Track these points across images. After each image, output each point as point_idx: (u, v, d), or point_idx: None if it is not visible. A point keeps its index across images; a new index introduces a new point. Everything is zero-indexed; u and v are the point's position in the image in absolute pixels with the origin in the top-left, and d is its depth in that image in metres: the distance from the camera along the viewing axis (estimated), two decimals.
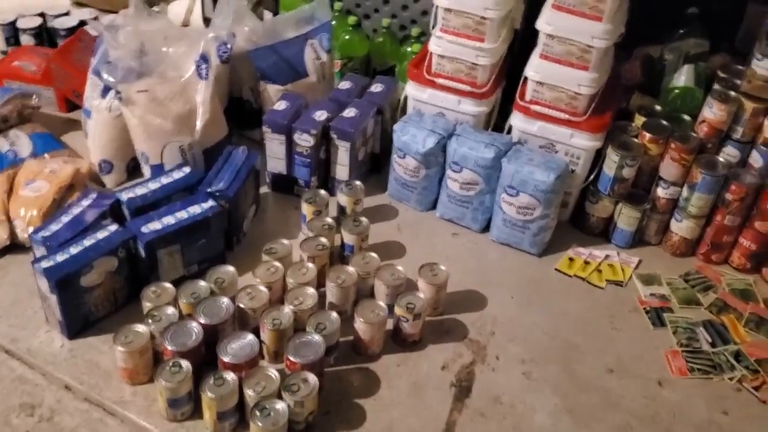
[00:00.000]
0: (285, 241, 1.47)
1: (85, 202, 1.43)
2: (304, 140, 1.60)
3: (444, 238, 1.66)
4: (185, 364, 1.21)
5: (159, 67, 1.57)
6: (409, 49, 1.90)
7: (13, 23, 2.03)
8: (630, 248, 1.65)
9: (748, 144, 1.55)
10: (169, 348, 1.23)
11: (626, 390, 1.36)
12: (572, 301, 1.53)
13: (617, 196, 1.60)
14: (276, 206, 1.70)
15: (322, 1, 1.77)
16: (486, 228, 1.66)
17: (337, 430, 1.24)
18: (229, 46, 1.66)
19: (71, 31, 2.02)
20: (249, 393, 1.19)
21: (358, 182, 1.62)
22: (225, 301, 1.31)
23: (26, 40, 2.02)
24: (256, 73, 1.73)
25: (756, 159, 1.54)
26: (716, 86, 1.54)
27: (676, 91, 1.63)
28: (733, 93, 1.52)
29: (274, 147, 1.65)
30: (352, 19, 1.91)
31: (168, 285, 1.36)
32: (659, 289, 1.56)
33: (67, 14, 2.07)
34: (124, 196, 1.46)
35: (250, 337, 1.26)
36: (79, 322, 1.35)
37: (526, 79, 1.57)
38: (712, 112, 1.51)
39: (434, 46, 1.61)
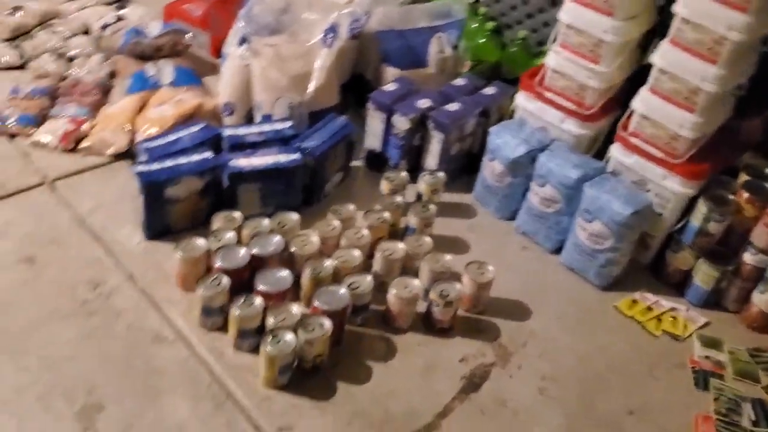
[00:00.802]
0: (351, 207, 1.56)
1: (193, 129, 1.60)
2: (401, 123, 1.68)
3: (512, 248, 1.67)
4: (225, 280, 1.33)
5: (292, 27, 1.73)
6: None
7: None
8: (702, 308, 1.57)
9: None
10: (217, 264, 1.36)
11: None
12: (618, 339, 1.48)
13: (698, 250, 1.53)
14: (364, 180, 1.79)
15: None
16: (558, 251, 1.65)
17: (340, 380, 1.31)
18: (360, 23, 1.78)
19: None
20: (269, 320, 1.29)
21: (441, 173, 1.67)
22: (278, 239, 1.42)
23: None
24: (381, 56, 1.84)
25: None
26: None
27: None
28: None
29: (374, 124, 1.74)
30: (490, 25, 1.96)
31: (238, 215, 1.50)
32: (717, 354, 1.47)
33: None
34: (227, 132, 1.62)
35: (287, 274, 1.36)
36: (159, 227, 1.52)
37: (632, 111, 1.56)
38: None
39: (550, 59, 1.64)
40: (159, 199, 1.48)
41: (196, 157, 1.52)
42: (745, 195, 1.48)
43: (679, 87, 1.45)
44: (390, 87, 1.75)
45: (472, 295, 1.45)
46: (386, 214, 1.55)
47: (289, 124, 1.67)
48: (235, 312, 1.29)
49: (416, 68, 1.84)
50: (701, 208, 1.50)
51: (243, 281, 1.37)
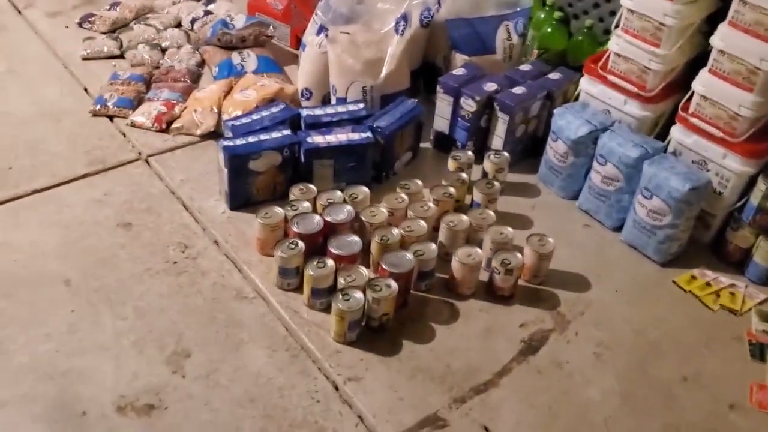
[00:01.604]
0: (419, 182, 1.66)
1: (274, 109, 1.73)
2: (468, 105, 1.77)
3: (574, 226, 1.73)
4: (301, 244, 1.45)
5: (366, 16, 1.84)
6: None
7: None
8: (762, 285, 1.60)
9: None
10: (294, 229, 1.48)
11: (692, 400, 1.35)
12: (675, 313, 1.53)
13: (758, 228, 1.56)
14: (432, 160, 1.89)
15: None
16: (619, 228, 1.70)
17: (405, 338, 1.41)
18: (431, 12, 1.88)
19: None
20: (340, 280, 1.40)
21: (506, 153, 1.75)
22: (349, 208, 1.53)
23: None
24: (450, 43, 1.93)
25: None
26: None
27: None
28: None
29: (443, 107, 1.83)
30: (557, 14, 2.03)
31: (313, 187, 1.61)
32: None
33: None
34: (305, 112, 1.74)
35: (357, 240, 1.47)
36: (241, 198, 1.65)
37: (693, 92, 1.60)
38: None
39: (613, 44, 1.69)
40: (242, 172, 1.61)
41: (276, 134, 1.64)
42: None
43: (737, 67, 1.49)
44: (458, 72, 1.84)
45: (533, 266, 1.52)
46: (452, 189, 1.64)
47: (361, 105, 1.78)
48: (309, 272, 1.41)
49: (483, 54, 1.92)
50: (761, 186, 1.53)
51: (316, 246, 1.48)
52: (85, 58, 2.13)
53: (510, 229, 1.55)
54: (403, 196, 1.60)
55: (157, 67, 2.08)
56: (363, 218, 1.54)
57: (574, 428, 1.29)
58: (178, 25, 2.28)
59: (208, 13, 2.27)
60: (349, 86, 1.82)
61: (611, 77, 1.72)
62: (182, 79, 2.00)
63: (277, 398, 1.29)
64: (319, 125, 1.71)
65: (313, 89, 1.94)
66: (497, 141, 1.81)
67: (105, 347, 1.35)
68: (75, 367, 1.31)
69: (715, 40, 1.51)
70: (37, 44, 2.24)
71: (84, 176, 1.73)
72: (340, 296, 1.36)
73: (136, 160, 1.80)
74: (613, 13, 2.05)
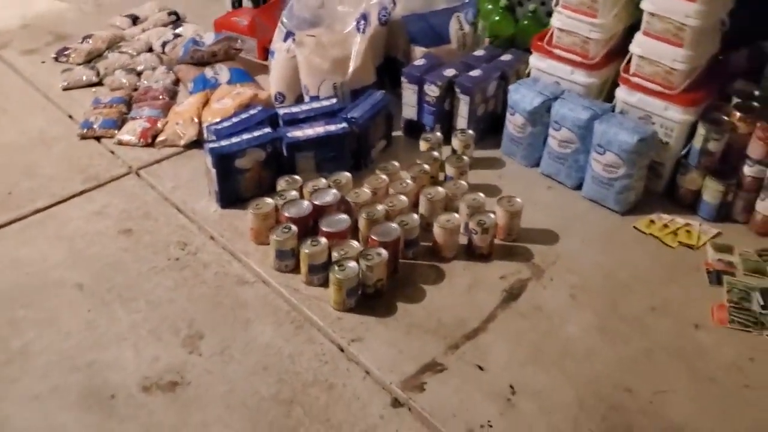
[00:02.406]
0: (396, 163, 1.80)
1: (252, 111, 1.87)
2: (432, 90, 1.92)
3: (539, 189, 1.88)
4: (293, 227, 1.58)
5: (328, 19, 1.99)
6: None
7: None
8: (714, 221, 1.76)
9: None
10: (285, 215, 1.61)
11: (661, 325, 1.50)
12: (639, 253, 1.68)
13: (704, 170, 1.72)
14: (404, 146, 2.03)
15: None
16: (579, 186, 1.85)
17: (399, 300, 1.54)
18: (388, 10, 2.04)
19: None
20: (334, 254, 1.53)
21: (470, 131, 1.90)
22: (335, 192, 1.67)
23: (246, 3, 2.57)
24: (408, 38, 2.08)
25: None
26: None
27: None
28: None
29: (408, 95, 1.98)
30: (503, 2, 2.20)
31: (298, 177, 1.74)
32: (729, 257, 1.66)
33: None
34: (282, 111, 1.88)
35: (345, 217, 1.60)
36: (231, 196, 1.77)
37: (631, 54, 1.76)
38: None
39: (555, 20, 1.86)
40: (229, 170, 1.73)
41: (257, 133, 1.77)
42: (738, 114, 1.68)
43: (667, 26, 1.66)
44: (419, 62, 2.00)
45: (506, 224, 1.67)
46: (426, 167, 1.78)
47: (334, 101, 1.92)
48: (304, 250, 1.53)
49: (439, 45, 2.08)
50: (700, 130, 1.69)
51: (308, 228, 1.61)
52: (65, 89, 2.25)
53: (482, 195, 1.69)
54: (383, 176, 1.74)
55: (136, 89, 2.20)
56: (348, 199, 1.67)
57: (559, 361, 1.43)
58: (150, 50, 2.41)
59: (177, 35, 2.40)
60: (320, 84, 1.97)
61: (557, 51, 1.88)
62: (160, 97, 2.12)
63: (289, 364, 1.42)
64: (296, 121, 1.84)
65: (286, 92, 2.07)
66: (461, 121, 1.96)
67: (124, 337, 1.46)
68: (98, 358, 1.42)
69: (645, 4, 1.68)
70: (17, 80, 2.35)
71: (81, 193, 1.84)
72: (336, 267, 1.49)
73: (128, 173, 1.92)
74: None
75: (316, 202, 1.64)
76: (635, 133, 1.68)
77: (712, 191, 1.73)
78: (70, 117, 2.14)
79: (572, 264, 1.65)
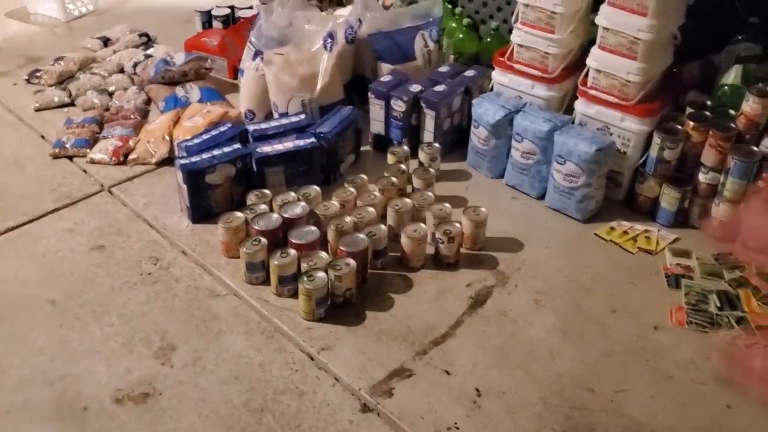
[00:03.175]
0: (364, 176, 1.85)
1: (222, 128, 1.90)
2: (399, 106, 1.97)
3: (503, 199, 1.93)
4: (263, 240, 1.61)
5: (296, 38, 2.04)
6: None
7: (209, 12, 2.64)
8: (672, 227, 1.82)
9: None
10: (255, 228, 1.64)
11: (622, 326, 1.55)
12: (600, 259, 1.74)
13: (661, 177, 1.79)
14: (373, 161, 2.07)
15: (437, 0, 2.15)
16: (542, 196, 1.90)
17: (368, 309, 1.58)
18: (354, 29, 2.09)
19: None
20: (303, 265, 1.56)
21: (436, 144, 1.96)
22: (303, 205, 1.71)
23: (216, 24, 2.61)
24: (375, 55, 2.14)
25: None
26: (759, 84, 1.69)
27: (725, 87, 1.79)
28: None
29: (376, 111, 2.03)
30: (466, 21, 2.26)
31: (268, 191, 1.78)
32: (687, 261, 1.72)
33: (250, 8, 2.63)
34: (251, 127, 1.92)
35: (314, 230, 1.64)
36: (202, 211, 1.80)
37: (588, 67, 1.83)
38: (749, 105, 1.67)
39: (515, 36, 1.92)
40: (200, 186, 1.77)
41: (227, 149, 1.81)
42: (691, 123, 1.74)
43: (621, 40, 1.73)
44: (385, 79, 2.05)
45: (471, 234, 1.71)
46: (394, 179, 1.83)
47: (303, 116, 1.96)
48: (274, 262, 1.57)
49: (405, 62, 2.14)
50: (656, 139, 1.76)
51: (278, 241, 1.64)
52: (37, 110, 2.27)
53: (448, 205, 1.74)
54: (351, 189, 1.78)
55: (107, 109, 2.23)
56: (317, 212, 1.71)
57: (524, 362, 1.47)
58: (121, 71, 2.44)
59: (148, 56, 2.44)
60: (289, 101, 2.01)
61: (517, 66, 1.94)
62: (132, 116, 2.15)
63: (260, 373, 1.44)
64: (266, 137, 1.88)
65: (256, 110, 2.11)
66: (428, 135, 2.01)
67: (96, 351, 1.48)
68: (71, 372, 1.44)
69: (600, 19, 1.75)
70: None
71: (54, 211, 1.86)
72: (305, 278, 1.52)
73: (100, 191, 1.94)
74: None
75: (285, 215, 1.67)
76: (594, 144, 1.74)
77: (669, 198, 1.79)
78: (43, 137, 2.17)
79: (536, 270, 1.70)
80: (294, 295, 1.58)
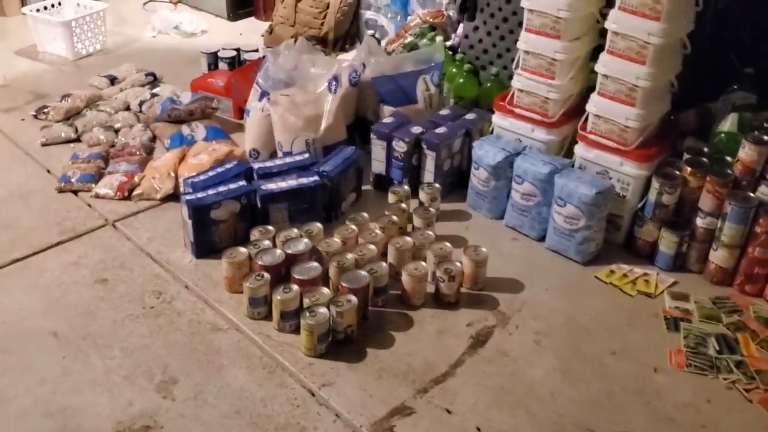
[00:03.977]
0: (365, 214, 1.87)
1: (228, 165, 1.93)
2: (400, 146, 2.01)
3: (503, 240, 1.95)
4: (266, 275, 1.63)
5: (301, 80, 2.08)
6: None
7: (215, 53, 2.69)
8: (672, 271, 1.84)
9: None
10: (259, 263, 1.66)
11: (621, 368, 1.56)
12: (599, 301, 1.75)
13: (659, 221, 1.81)
14: (374, 199, 2.10)
15: (438, 47, 2.21)
16: (542, 238, 1.93)
17: (369, 346, 1.59)
18: (358, 72, 2.14)
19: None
20: (306, 301, 1.58)
21: (437, 185, 1.99)
22: (306, 241, 1.73)
23: (222, 66, 2.66)
24: (378, 98, 2.19)
25: None
26: (755, 132, 1.74)
27: (721, 135, 1.83)
28: (766, 137, 1.71)
29: (377, 151, 2.07)
30: (467, 66, 2.32)
31: (271, 228, 1.80)
32: (685, 304, 1.74)
33: (256, 51, 2.69)
34: (256, 165, 1.95)
35: (317, 265, 1.66)
36: (206, 246, 1.82)
37: (588, 113, 1.87)
38: (745, 152, 1.71)
39: (516, 81, 1.97)
40: (205, 222, 1.79)
41: (232, 186, 1.84)
42: (689, 169, 1.78)
43: (620, 87, 1.77)
44: (387, 120, 2.09)
45: (472, 273, 1.73)
46: (395, 218, 1.85)
47: (306, 155, 2.00)
48: (277, 297, 1.58)
49: (407, 105, 2.18)
50: (654, 184, 1.79)
51: (280, 276, 1.66)
52: (44, 144, 2.30)
53: (449, 244, 1.76)
54: (353, 227, 1.81)
55: (113, 146, 2.26)
56: (319, 248, 1.73)
57: (524, 401, 1.48)
58: (128, 108, 2.47)
59: (154, 95, 2.48)
60: (294, 141, 2.04)
61: (518, 110, 1.99)
62: (138, 153, 2.18)
63: (261, 408, 1.45)
64: (271, 174, 1.91)
65: (260, 149, 2.15)
66: (428, 176, 2.04)
67: (98, 383, 1.48)
68: (72, 404, 1.44)
69: (599, 66, 1.80)
70: None
71: (58, 243, 1.88)
72: (307, 313, 1.53)
73: (104, 225, 1.96)
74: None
75: (288, 251, 1.69)
76: (593, 186, 1.77)
77: (667, 242, 1.82)
78: (49, 171, 2.19)
79: (536, 311, 1.71)
80: (295, 330, 1.59)
